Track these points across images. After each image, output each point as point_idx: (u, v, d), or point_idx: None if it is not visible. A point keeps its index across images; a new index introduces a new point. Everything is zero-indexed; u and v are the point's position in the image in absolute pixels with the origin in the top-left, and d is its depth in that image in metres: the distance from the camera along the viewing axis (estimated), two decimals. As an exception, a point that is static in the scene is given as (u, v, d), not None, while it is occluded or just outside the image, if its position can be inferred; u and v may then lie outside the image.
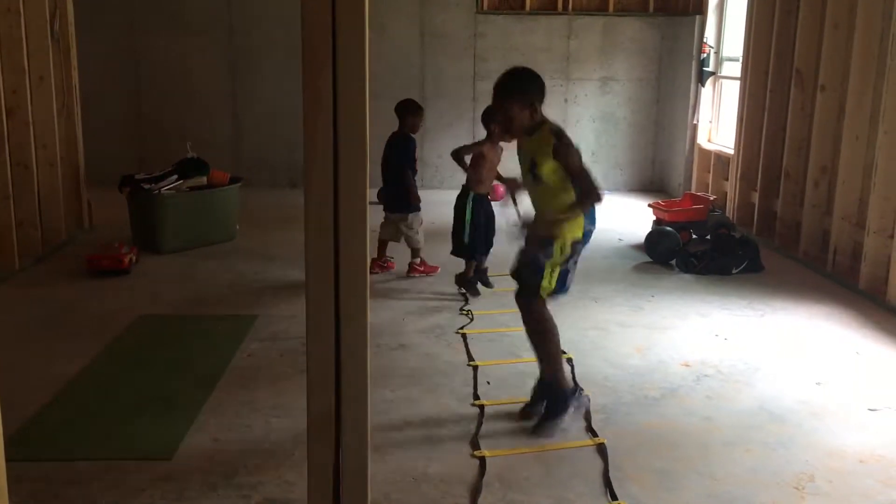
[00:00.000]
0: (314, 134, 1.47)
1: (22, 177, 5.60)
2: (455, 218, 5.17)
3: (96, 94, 7.86)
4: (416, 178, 5.58)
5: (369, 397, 1.64)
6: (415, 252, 5.61)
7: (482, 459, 3.07)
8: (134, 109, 8.52)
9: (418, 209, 5.56)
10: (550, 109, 8.67)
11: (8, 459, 3.10)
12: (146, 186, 6.02)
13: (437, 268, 5.61)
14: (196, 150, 6.44)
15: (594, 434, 3.31)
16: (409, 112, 5.50)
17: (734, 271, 5.69)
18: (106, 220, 6.70)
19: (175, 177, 6.15)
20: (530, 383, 3.50)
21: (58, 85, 6.07)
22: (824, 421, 3.48)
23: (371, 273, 5.55)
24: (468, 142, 5.79)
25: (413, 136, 5.54)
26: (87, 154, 6.70)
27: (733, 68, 7.71)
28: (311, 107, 1.47)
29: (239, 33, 8.49)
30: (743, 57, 7.07)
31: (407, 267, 5.61)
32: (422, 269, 5.61)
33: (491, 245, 5.22)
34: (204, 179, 6.30)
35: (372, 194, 8.01)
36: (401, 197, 5.52)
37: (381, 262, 5.67)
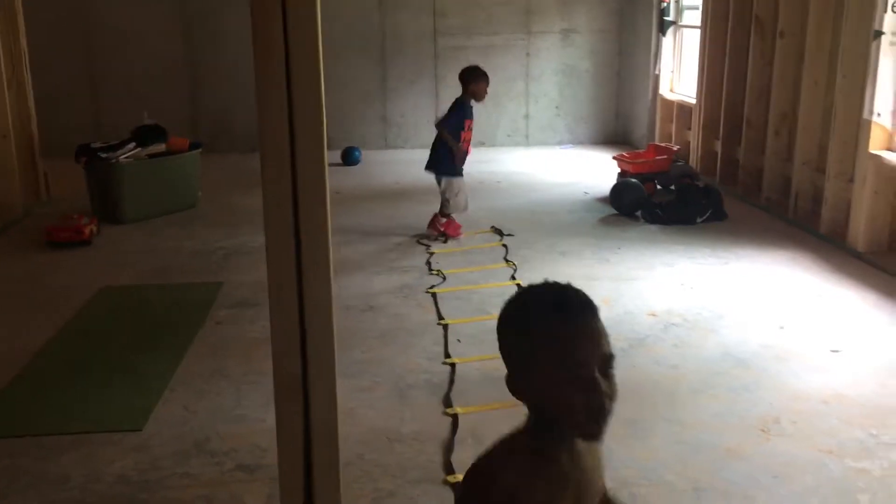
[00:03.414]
0: (267, 89, 1.43)
1: (-27, 150, 5.46)
2: None
3: (47, 62, 7.63)
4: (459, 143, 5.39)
5: (336, 358, 1.63)
6: (443, 214, 5.48)
7: (455, 416, 3.09)
8: (86, 76, 8.30)
9: (458, 174, 5.43)
10: (512, 64, 8.77)
11: (-27, 437, 3.04)
12: (104, 156, 5.89)
13: (459, 233, 5.48)
14: (153, 116, 6.31)
15: (564, 386, 3.34)
16: (470, 79, 5.41)
17: (698, 220, 5.74)
18: (64, 191, 6.56)
19: (133, 144, 6.03)
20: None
21: (5, 53, 5.88)
22: (788, 364, 3.54)
23: (430, 231, 5.47)
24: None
25: (468, 101, 5.41)
26: (41, 124, 6.53)
27: (693, 17, 7.69)
28: (261, 59, 1.43)
29: (192, -5, 8.29)
30: (703, 5, 7.04)
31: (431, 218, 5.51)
32: (442, 227, 5.47)
33: None
34: (163, 146, 6.18)
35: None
36: (438, 157, 5.43)
37: (437, 224, 5.48)
